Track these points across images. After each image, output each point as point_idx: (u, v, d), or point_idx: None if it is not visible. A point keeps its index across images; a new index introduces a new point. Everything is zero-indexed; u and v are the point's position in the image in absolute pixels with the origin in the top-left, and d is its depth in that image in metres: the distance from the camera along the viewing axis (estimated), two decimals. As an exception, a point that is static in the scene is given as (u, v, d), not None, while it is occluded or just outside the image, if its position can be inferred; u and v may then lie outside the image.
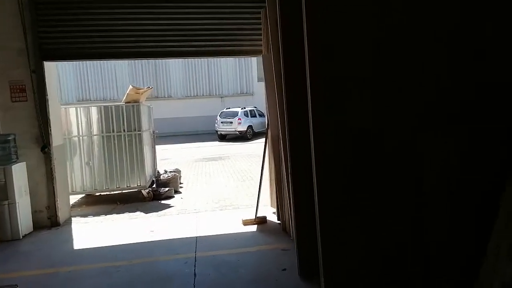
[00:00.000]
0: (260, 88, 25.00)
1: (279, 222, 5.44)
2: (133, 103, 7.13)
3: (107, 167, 7.14)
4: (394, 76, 2.97)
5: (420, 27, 2.97)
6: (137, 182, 7.24)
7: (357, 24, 2.91)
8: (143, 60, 23.78)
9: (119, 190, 7.21)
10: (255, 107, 21.61)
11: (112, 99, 22.80)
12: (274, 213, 5.93)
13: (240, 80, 25.17)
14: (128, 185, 7.23)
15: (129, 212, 6.55)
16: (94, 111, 7.08)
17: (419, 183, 3.00)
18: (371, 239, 2.99)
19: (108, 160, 7.13)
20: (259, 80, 25.25)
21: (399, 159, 2.98)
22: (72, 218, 6.31)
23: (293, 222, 4.28)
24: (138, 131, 7.17)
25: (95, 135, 7.10)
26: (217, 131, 20.25)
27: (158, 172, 9.41)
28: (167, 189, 7.53)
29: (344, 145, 2.93)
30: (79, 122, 7.05)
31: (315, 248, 3.09)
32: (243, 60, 24.94)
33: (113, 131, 7.11)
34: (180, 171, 9.19)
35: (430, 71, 2.99)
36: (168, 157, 14.24)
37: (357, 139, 2.95)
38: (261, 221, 5.52)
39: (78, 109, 7.09)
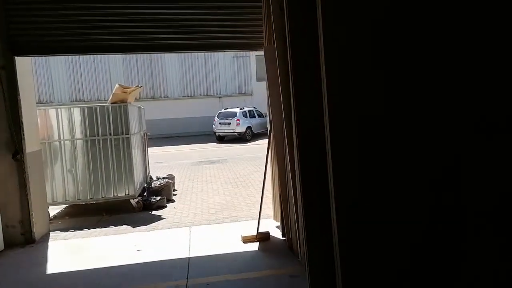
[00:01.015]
0: (259, 88, 24.31)
1: (284, 238, 4.76)
2: (120, 104, 6.43)
3: (91, 175, 6.43)
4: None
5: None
6: (125, 191, 6.54)
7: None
8: (138, 60, 23.13)
9: (105, 200, 6.50)
10: (254, 108, 20.94)
11: (106, 99, 22.11)
12: (278, 227, 5.25)
13: (238, 80, 24.48)
14: (115, 194, 6.53)
15: (116, 225, 5.85)
16: (76, 112, 6.38)
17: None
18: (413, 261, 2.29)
19: (92, 167, 6.43)
20: (258, 79, 24.58)
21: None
22: (51, 233, 5.61)
23: (302, 240, 3.60)
24: (126, 134, 6.46)
25: (78, 139, 6.40)
26: (215, 132, 19.56)
27: (150, 177, 8.72)
28: (158, 198, 6.83)
29: (371, 142, 2.25)
30: (60, 125, 6.34)
31: (332, 275, 2.40)
32: (241, 59, 24.29)
33: (98, 134, 6.41)
34: (174, 177, 8.49)
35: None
36: (163, 161, 13.56)
37: (384, 135, 2.27)
38: (263, 237, 4.83)
39: (59, 110, 6.38)
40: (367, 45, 2.27)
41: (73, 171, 6.43)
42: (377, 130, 2.29)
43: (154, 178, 8.58)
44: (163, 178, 8.18)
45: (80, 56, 22.53)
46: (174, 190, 8.28)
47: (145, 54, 23.06)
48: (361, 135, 2.27)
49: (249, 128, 19.22)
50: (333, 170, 2.25)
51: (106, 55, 22.72)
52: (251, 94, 24.46)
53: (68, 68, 22.71)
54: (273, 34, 4.32)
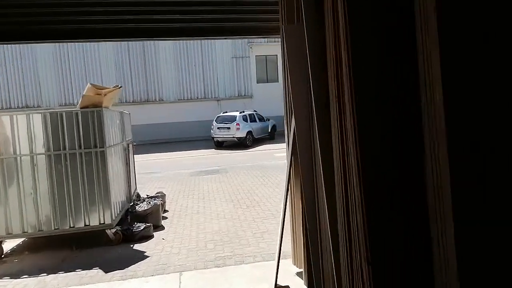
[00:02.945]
0: (260, 90, 23.01)
1: (311, 296, 3.39)
2: (93, 108, 5.06)
3: (56, 199, 5.06)
4: None
5: None
6: (99, 219, 5.16)
7: None
8: (131, 61, 21.80)
9: (74, 230, 5.12)
10: (255, 111, 19.63)
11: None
12: (298, 274, 3.89)
13: (238, 82, 23.15)
14: (86, 224, 5.15)
15: (84, 268, 4.47)
16: (37, 120, 5.00)
17: None
18: None
19: (57, 189, 5.05)
20: (258, 81, 23.29)
21: None
22: (-3, 280, 4.23)
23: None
24: (100, 147, 5.09)
25: (39, 154, 5.03)
26: (213, 137, 18.19)
27: (137, 196, 7.34)
28: (143, 226, 5.45)
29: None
30: (16, 136, 4.97)
31: None
32: (240, 59, 22.98)
33: (64, 148, 5.04)
34: (164, 195, 7.12)
35: None
36: (157, 170, 12.19)
37: None
38: (282, 295, 3.47)
39: (14, 117, 5.01)
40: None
41: (33, 195, 5.05)
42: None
43: (143, 196, 7.21)
44: (152, 197, 6.81)
45: (70, 57, 21.23)
46: (165, 211, 6.91)
47: (138, 55, 21.76)
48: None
49: (249, 133, 17.87)
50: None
51: (97, 56, 21.39)
52: (251, 97, 23.13)
53: (57, 69, 21.33)
54: (299, 10, 2.99)
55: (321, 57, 2.55)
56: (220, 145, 18.09)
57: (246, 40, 22.79)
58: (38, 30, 4.51)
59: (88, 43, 21.16)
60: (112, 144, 5.52)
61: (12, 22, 4.21)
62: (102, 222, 5.17)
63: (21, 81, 21.25)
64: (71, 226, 5.13)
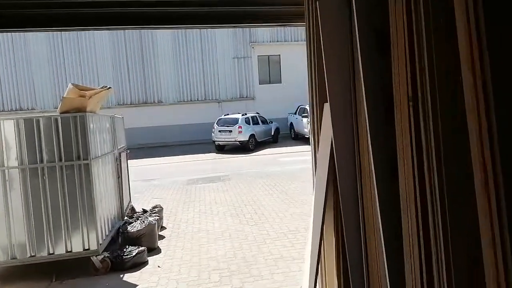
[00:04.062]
0: (262, 92, 22.22)
1: None
2: (75, 113, 4.27)
3: (32, 221, 4.27)
4: None
5: None
6: (83, 244, 4.37)
7: None
8: (129, 61, 21.02)
9: (53, 258, 4.33)
10: (257, 113, 18.88)
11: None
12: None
13: (239, 83, 22.36)
14: (68, 250, 4.36)
15: (61, 308, 3.68)
16: (9, 127, 4.21)
17: None
18: None
19: (34, 210, 4.27)
20: (261, 82, 22.52)
21: None
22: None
23: None
24: (84, 159, 4.30)
25: (12, 167, 4.23)
26: (214, 141, 17.39)
27: (131, 209, 6.56)
28: (135, 251, 4.65)
29: None
30: (-16, 147, 4.18)
31: None
32: (242, 60, 22.22)
33: (41, 160, 4.25)
34: (161, 209, 6.32)
35: None
36: (155, 177, 11.41)
37: None
38: None
39: (-19, 124, 4.22)
40: None
41: (4, 216, 4.25)
42: None
43: (138, 211, 6.43)
44: (148, 211, 6.03)
45: (66, 57, 20.45)
46: (162, 227, 6.12)
47: (136, 56, 20.98)
48: None
49: (252, 136, 17.08)
50: None
51: (94, 57, 20.62)
52: (253, 99, 22.35)
53: (52, 70, 20.56)
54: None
55: (382, 46, 1.78)
56: (222, 149, 17.31)
57: (248, 39, 22.09)
58: (28, 15, 3.78)
59: (84, 42, 20.44)
60: (99, 155, 4.72)
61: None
62: (86, 247, 4.38)
63: (14, 83, 20.48)
64: (50, 252, 4.33)
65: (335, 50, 2.20)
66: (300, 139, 18.99)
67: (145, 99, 21.56)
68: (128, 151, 6.85)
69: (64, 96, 4.35)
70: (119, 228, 5.29)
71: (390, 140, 1.83)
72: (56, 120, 4.24)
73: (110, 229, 5.04)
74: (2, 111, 20.42)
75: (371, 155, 1.89)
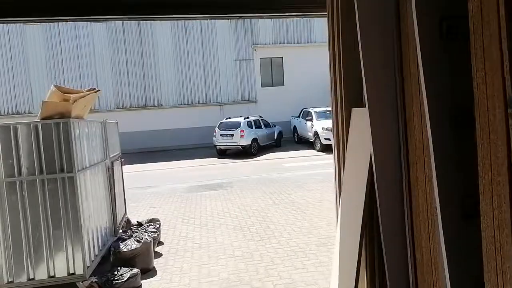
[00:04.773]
0: (264, 95, 21.73)
1: None
2: (58, 120, 3.76)
3: (9, 243, 3.75)
4: None
5: None
6: (68, 268, 3.85)
7: None
8: (129, 63, 20.55)
9: (34, 284, 3.81)
10: (260, 117, 18.38)
11: (97, 110, 19.31)
12: None
13: (241, 86, 21.88)
14: (51, 275, 3.83)
15: None
16: (-17, 135, 3.71)
17: None
18: None
19: (11, 229, 3.75)
20: (263, 85, 22.04)
21: None
22: None
23: None
24: (68, 171, 3.79)
25: (-14, 181, 3.73)
26: (215, 145, 16.88)
27: (126, 222, 6.05)
28: (128, 274, 4.12)
29: None
30: (-46, 158, 3.67)
31: None
32: (244, 62, 21.74)
33: (19, 173, 3.74)
34: (159, 223, 5.79)
35: None
36: (153, 184, 10.90)
37: None
38: None
39: (-49, 132, 3.71)
40: None
41: (-23, 236, 3.74)
42: None
43: (133, 224, 5.92)
44: (144, 224, 5.52)
45: (64, 59, 20.00)
46: (159, 242, 5.60)
47: (136, 58, 20.52)
48: None
49: (255, 140, 16.57)
50: None
51: (93, 59, 20.17)
52: (255, 102, 21.87)
53: (50, 73, 20.12)
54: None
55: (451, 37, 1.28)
56: (223, 153, 16.79)
57: (250, 41, 21.66)
58: (19, 4, 3.31)
59: (83, 44, 20.01)
60: (87, 166, 4.21)
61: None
62: (71, 271, 3.86)
63: (11, 85, 20.04)
64: (30, 278, 3.81)
65: (376, 43, 1.69)
66: (303, 142, 18.47)
67: (145, 102, 21.09)
68: (122, 160, 6.33)
69: (45, 100, 3.84)
70: (110, 245, 4.77)
71: (464, 161, 1.31)
72: (36, 127, 3.73)
73: (100, 248, 4.52)
74: (-1, 115, 19.99)
75: (434, 183, 1.37)
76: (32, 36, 19.86)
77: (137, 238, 4.63)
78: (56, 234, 3.83)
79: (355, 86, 2.20)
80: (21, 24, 19.60)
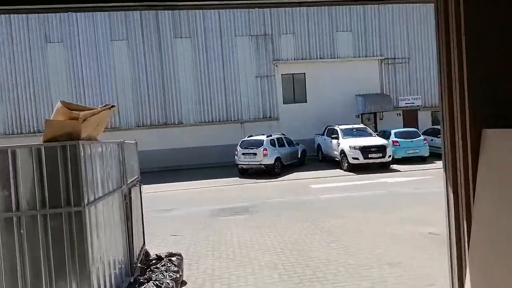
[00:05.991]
0: (287, 112, 21.04)
1: None
2: (64, 142, 3.10)
3: (2, 292, 3.07)
4: None
5: None
6: (73, 325, 3.12)
7: None
8: (149, 81, 20.27)
9: None
10: (283, 134, 17.64)
11: (114, 127, 18.99)
12: None
13: (262, 103, 21.28)
14: (52, 332, 3.11)
15: None
16: (-24, 161, 3.08)
17: None
18: None
19: (7, 274, 3.06)
20: (285, 101, 21.37)
21: None
22: None
23: None
24: (75, 205, 3.11)
25: (-22, 216, 3.07)
26: (237, 164, 16.15)
27: (146, 254, 5.32)
28: (145, 331, 3.36)
29: None
30: None
31: None
32: (265, 79, 21.20)
33: (17, 207, 3.08)
34: (182, 260, 5.04)
35: None
36: (172, 206, 10.22)
37: None
38: None
39: None
40: None
41: (-34, 284, 3.07)
42: None
43: (152, 258, 5.19)
44: (164, 259, 4.77)
45: (85, 76, 19.91)
46: (182, 283, 4.83)
47: (156, 75, 20.27)
48: None
49: (278, 159, 15.77)
50: None
51: (113, 77, 20.02)
52: (277, 119, 21.18)
53: (71, 90, 20.02)
54: None
55: None
56: (245, 172, 16.04)
57: (271, 57, 21.18)
58: None
59: (104, 62, 19.91)
60: (99, 196, 3.52)
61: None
62: (76, 329, 3.13)
63: (33, 104, 20.04)
64: (27, 336, 3.09)
65: None
66: (328, 161, 17.59)
67: (165, 120, 20.73)
68: (141, 184, 5.66)
69: (50, 118, 3.19)
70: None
71: None
72: (38, 151, 3.07)
73: (113, 293, 3.79)
74: (21, 133, 19.89)
75: None
76: (53, 53, 19.91)
77: (157, 283, 3.88)
78: (60, 279, 3.12)
79: (485, 96, 1.47)
80: (41, 41, 19.68)
